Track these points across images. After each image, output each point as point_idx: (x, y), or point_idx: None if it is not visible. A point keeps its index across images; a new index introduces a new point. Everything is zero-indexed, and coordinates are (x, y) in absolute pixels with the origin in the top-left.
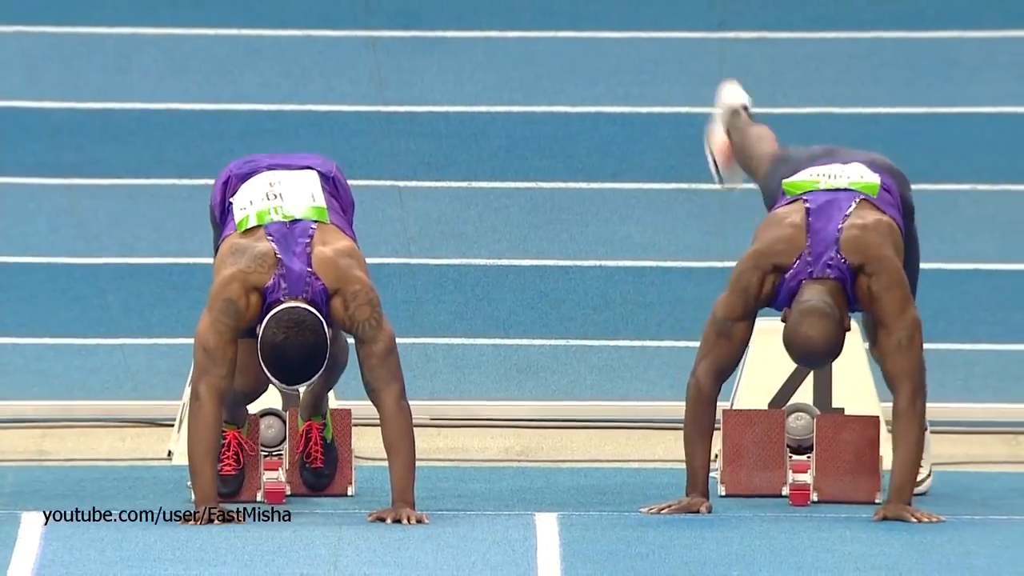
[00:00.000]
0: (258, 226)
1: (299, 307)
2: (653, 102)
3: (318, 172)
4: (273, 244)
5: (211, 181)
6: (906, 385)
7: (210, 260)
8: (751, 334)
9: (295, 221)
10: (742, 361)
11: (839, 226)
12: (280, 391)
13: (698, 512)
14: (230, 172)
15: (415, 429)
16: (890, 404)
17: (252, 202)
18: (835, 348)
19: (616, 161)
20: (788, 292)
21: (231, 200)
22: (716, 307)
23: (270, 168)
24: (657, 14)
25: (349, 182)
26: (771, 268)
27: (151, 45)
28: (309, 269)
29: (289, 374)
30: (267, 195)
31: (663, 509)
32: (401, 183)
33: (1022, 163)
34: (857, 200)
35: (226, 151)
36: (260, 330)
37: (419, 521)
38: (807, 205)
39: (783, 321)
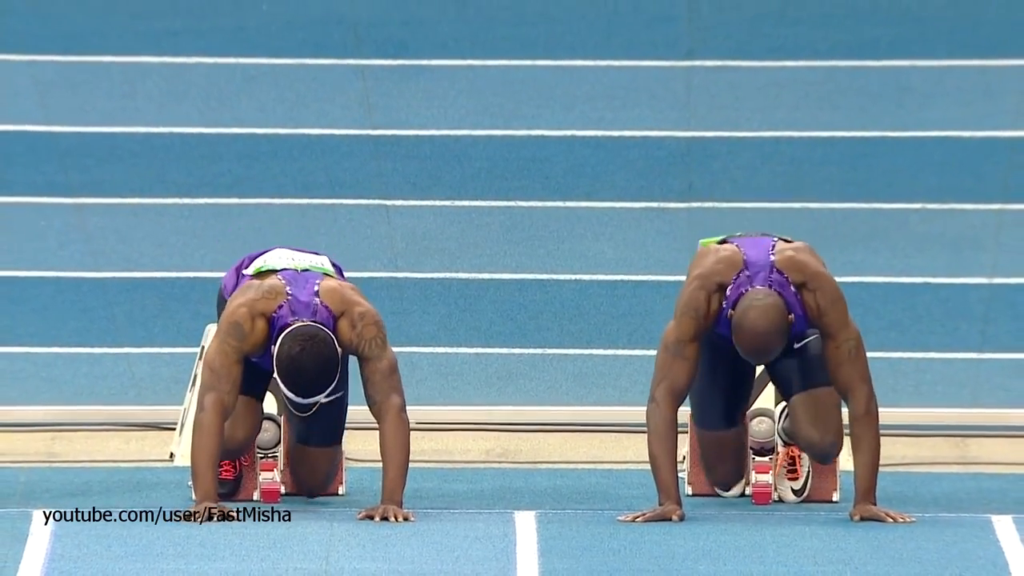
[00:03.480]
0: (272, 271)
1: (312, 324)
2: (625, 126)
3: (328, 258)
4: (283, 281)
5: (212, 200)
6: (861, 390)
7: (210, 273)
8: (700, 354)
9: (306, 270)
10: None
11: (771, 252)
12: (294, 413)
13: (670, 519)
14: (245, 256)
15: None
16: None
17: (267, 260)
18: (781, 333)
19: (590, 181)
20: (732, 306)
21: (245, 272)
22: (666, 334)
23: (285, 247)
24: (628, 44)
25: (339, 200)
26: (715, 287)
27: (154, 73)
28: (316, 298)
29: (305, 385)
30: (282, 257)
31: (637, 517)
32: (388, 202)
33: (969, 183)
34: (776, 237)
35: (225, 172)
36: (276, 349)
37: (405, 519)
38: (734, 243)
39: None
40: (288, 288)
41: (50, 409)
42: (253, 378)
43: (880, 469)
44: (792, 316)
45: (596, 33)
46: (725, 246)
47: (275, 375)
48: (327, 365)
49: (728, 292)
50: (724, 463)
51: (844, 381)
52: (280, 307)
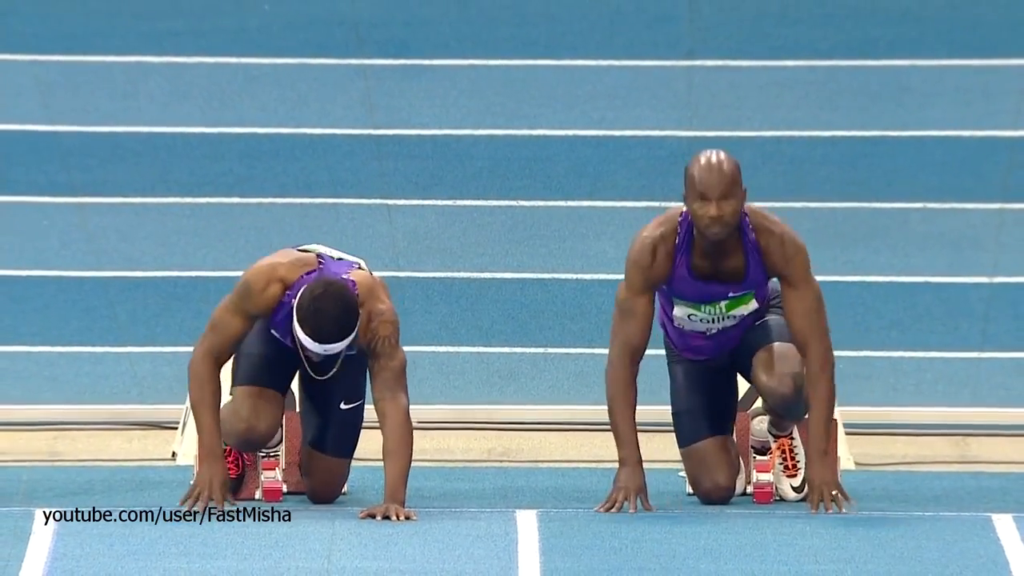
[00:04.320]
0: (312, 252)
1: (336, 275)
2: (626, 126)
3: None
4: (318, 259)
5: (213, 199)
6: (818, 345)
7: (212, 273)
8: (652, 309)
9: (342, 259)
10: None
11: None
12: (311, 363)
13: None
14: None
15: None
16: (848, 408)
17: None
18: (734, 164)
19: (592, 181)
20: (688, 226)
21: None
22: (616, 294)
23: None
24: (630, 44)
25: (341, 200)
26: (659, 238)
27: (156, 73)
28: (347, 276)
29: (324, 327)
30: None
31: (614, 507)
32: (390, 201)
33: (969, 183)
34: None
35: (227, 171)
36: (296, 301)
37: (408, 518)
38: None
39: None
40: (320, 263)
41: (52, 408)
42: (277, 368)
43: (881, 468)
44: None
45: (597, 33)
46: (675, 206)
47: (295, 324)
48: (347, 308)
49: (679, 227)
50: (711, 475)
51: (803, 332)
52: (307, 273)
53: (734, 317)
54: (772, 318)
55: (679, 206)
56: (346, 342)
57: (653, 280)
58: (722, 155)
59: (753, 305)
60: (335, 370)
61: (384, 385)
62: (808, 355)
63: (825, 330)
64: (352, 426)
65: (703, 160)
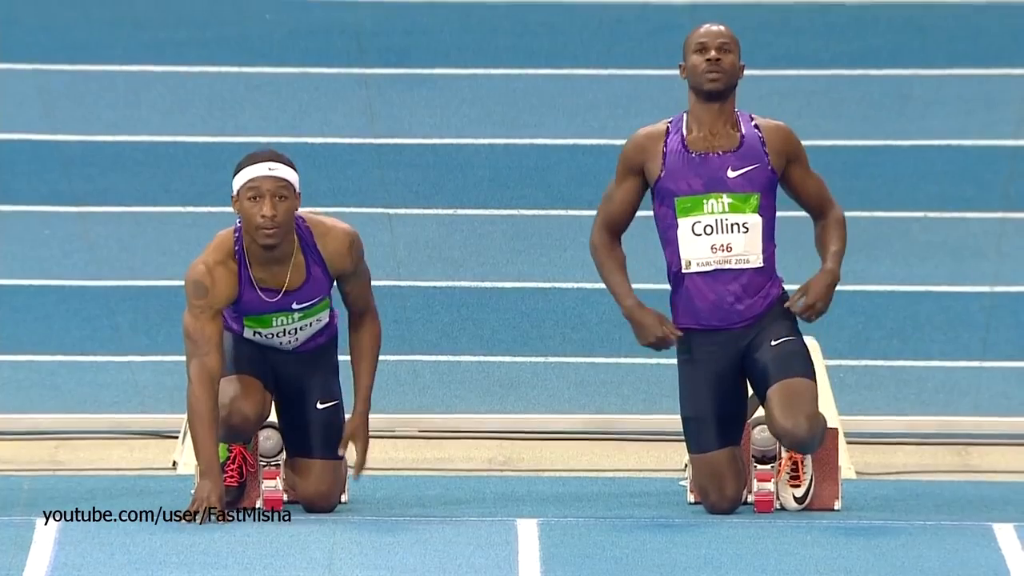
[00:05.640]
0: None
1: None
2: (627, 135)
3: None
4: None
5: (214, 209)
6: (836, 206)
7: None
8: (636, 195)
9: None
10: None
11: None
12: (259, 218)
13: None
14: None
15: (404, 440)
16: (849, 418)
17: None
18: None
19: (593, 190)
20: (676, 133)
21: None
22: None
23: None
24: (631, 53)
25: (342, 208)
26: (649, 128)
27: (158, 82)
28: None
29: (258, 155)
30: None
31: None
32: (391, 210)
33: (970, 192)
34: None
35: (228, 181)
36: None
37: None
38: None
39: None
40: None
41: (54, 417)
42: (257, 361)
43: (882, 477)
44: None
45: (598, 42)
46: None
47: (236, 186)
48: (280, 153)
49: (668, 124)
50: (718, 486)
51: (818, 199)
52: (235, 232)
53: (738, 228)
54: (787, 339)
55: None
56: (288, 170)
57: (639, 161)
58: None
59: (756, 218)
60: (315, 303)
61: (363, 296)
62: (825, 213)
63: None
64: (333, 425)
65: (703, 24)
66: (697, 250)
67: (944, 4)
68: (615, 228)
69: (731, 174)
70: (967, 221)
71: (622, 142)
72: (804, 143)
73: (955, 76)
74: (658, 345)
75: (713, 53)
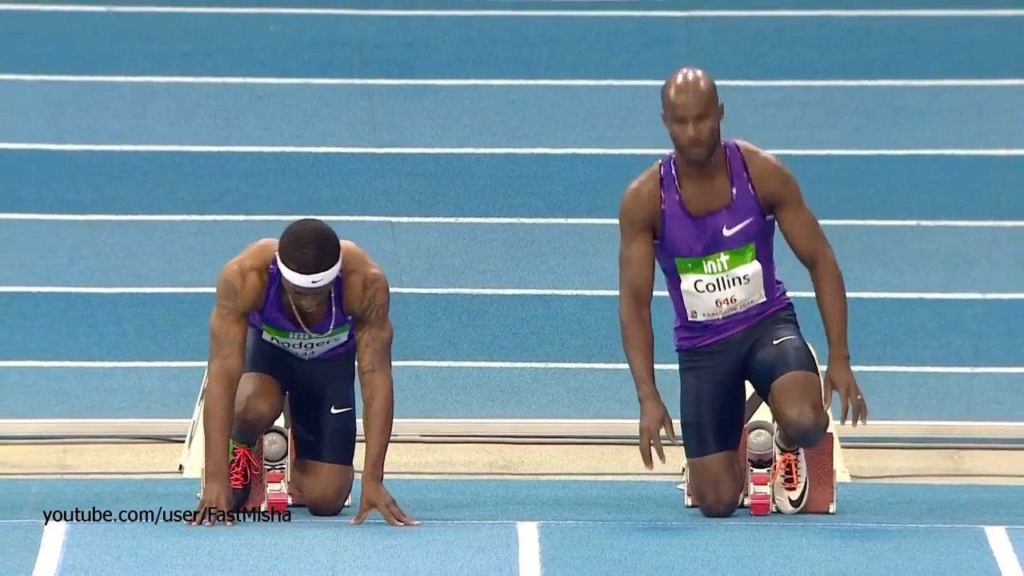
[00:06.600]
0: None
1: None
2: (625, 144)
3: None
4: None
5: (219, 217)
6: (825, 257)
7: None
8: (651, 250)
9: None
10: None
11: None
12: (304, 316)
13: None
14: None
15: (406, 444)
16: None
17: None
18: (708, 80)
19: (591, 198)
20: (671, 189)
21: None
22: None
23: None
24: (628, 64)
25: (345, 217)
26: (646, 178)
27: (164, 93)
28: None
29: (307, 256)
30: None
31: (648, 458)
32: (394, 218)
33: (962, 201)
34: None
35: (232, 189)
36: (278, 244)
37: (399, 519)
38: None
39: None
40: None
41: (61, 422)
42: (275, 362)
43: (876, 481)
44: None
45: (596, 54)
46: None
47: (280, 266)
48: (326, 235)
49: (661, 168)
50: (715, 490)
51: (809, 247)
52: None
53: (739, 281)
54: (791, 338)
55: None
56: (332, 272)
57: (643, 219)
58: (697, 73)
59: (755, 266)
60: (331, 332)
61: (376, 356)
62: (817, 266)
63: (828, 244)
64: (346, 431)
65: (679, 80)
66: (702, 304)
67: (936, 16)
68: (642, 295)
69: (727, 232)
70: (959, 229)
71: (620, 151)
72: (799, 152)
73: (947, 87)
74: (644, 442)
75: (691, 131)
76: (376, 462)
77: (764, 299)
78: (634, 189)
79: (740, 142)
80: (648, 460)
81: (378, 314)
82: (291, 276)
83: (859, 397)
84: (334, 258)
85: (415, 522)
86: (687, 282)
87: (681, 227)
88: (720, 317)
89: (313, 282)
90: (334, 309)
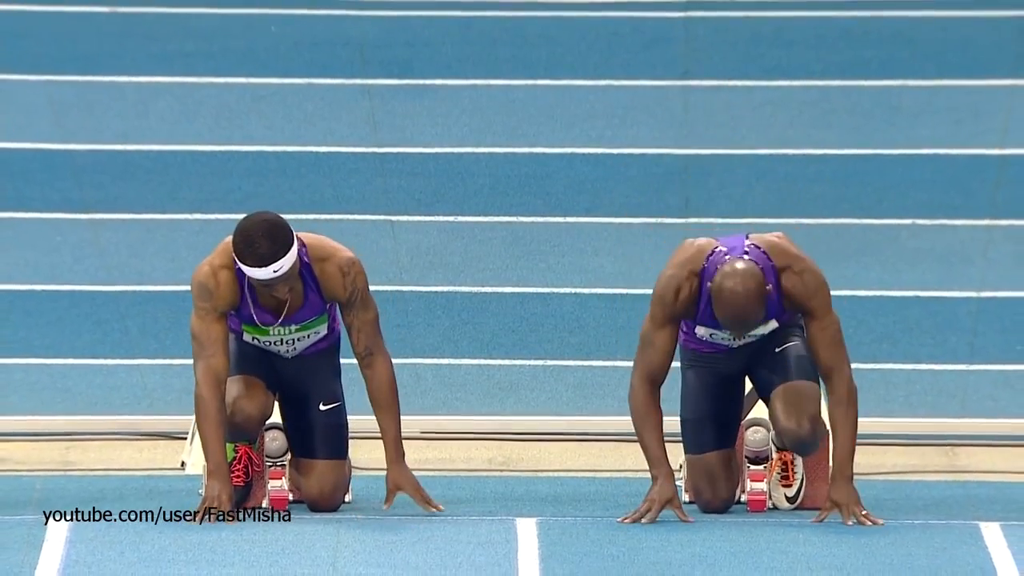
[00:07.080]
0: None
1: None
2: (623, 144)
3: None
4: None
5: (222, 216)
6: (842, 374)
7: None
8: (674, 342)
9: None
10: None
11: (745, 237)
12: (277, 306)
13: (669, 504)
14: None
15: (406, 441)
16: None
17: None
18: (759, 299)
19: (590, 197)
20: (710, 279)
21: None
22: (642, 327)
23: None
24: (627, 64)
25: (345, 216)
26: (687, 275)
27: (167, 92)
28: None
29: (259, 246)
30: None
31: (640, 519)
32: (394, 217)
33: (958, 199)
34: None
35: (235, 188)
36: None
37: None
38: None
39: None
40: None
41: (65, 419)
42: (261, 362)
43: (872, 477)
44: (770, 286)
45: (595, 54)
46: (701, 238)
47: (238, 264)
48: (275, 225)
49: (703, 271)
50: (712, 486)
51: (828, 362)
52: None
53: (754, 336)
54: (794, 344)
55: (708, 241)
56: (290, 256)
57: (675, 316)
58: (749, 287)
59: (773, 325)
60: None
61: (370, 339)
62: (833, 383)
63: (847, 359)
64: (336, 427)
65: (727, 293)
66: (715, 341)
67: (933, 17)
68: (656, 378)
69: (755, 331)
70: (955, 228)
71: (618, 151)
72: (796, 152)
73: (943, 87)
74: (639, 516)
75: (739, 341)
76: (395, 443)
77: (777, 325)
78: (673, 283)
79: (776, 254)
80: (637, 520)
81: (362, 296)
82: (253, 272)
83: (863, 512)
84: (288, 243)
85: (440, 507)
86: (703, 330)
87: (710, 319)
88: (733, 346)
89: (275, 272)
90: (311, 296)
